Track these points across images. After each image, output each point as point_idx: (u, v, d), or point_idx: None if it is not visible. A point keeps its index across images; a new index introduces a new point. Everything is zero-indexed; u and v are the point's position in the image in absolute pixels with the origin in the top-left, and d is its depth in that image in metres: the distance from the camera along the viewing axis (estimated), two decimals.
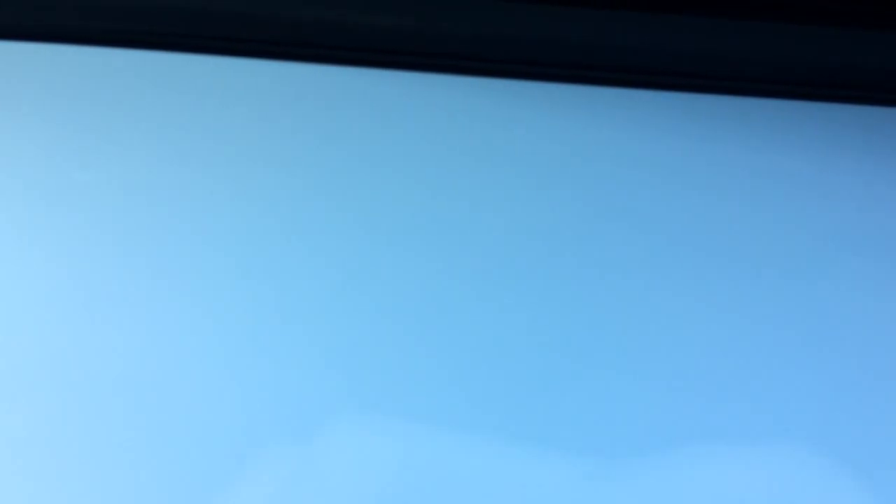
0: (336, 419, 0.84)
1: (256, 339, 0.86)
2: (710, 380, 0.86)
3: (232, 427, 0.83)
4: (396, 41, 0.98)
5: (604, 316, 0.88)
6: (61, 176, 0.92)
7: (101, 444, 0.83)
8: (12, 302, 0.87)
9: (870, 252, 0.92)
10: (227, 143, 0.94)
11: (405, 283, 0.89)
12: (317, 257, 0.90)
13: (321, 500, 0.82)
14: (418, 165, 0.94)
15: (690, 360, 0.86)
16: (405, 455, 0.83)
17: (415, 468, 0.83)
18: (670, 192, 0.94)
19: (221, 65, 0.97)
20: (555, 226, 0.92)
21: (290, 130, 0.95)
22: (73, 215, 0.91)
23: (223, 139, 0.94)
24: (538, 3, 0.99)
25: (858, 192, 0.95)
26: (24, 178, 0.92)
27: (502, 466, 0.83)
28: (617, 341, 0.87)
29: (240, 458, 0.82)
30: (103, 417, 0.83)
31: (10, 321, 0.86)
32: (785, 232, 0.92)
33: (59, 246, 0.89)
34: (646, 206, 0.93)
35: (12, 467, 0.82)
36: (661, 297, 0.89)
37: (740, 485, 0.84)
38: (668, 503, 0.82)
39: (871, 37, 1.00)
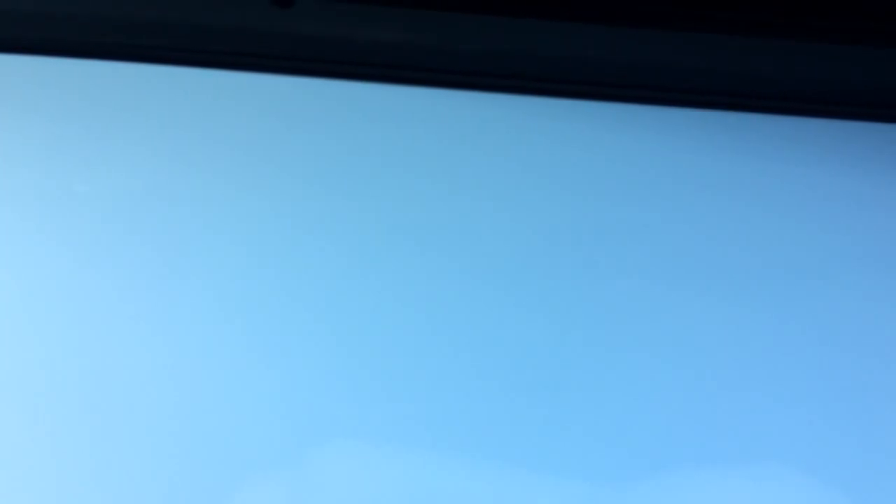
0: (332, 440, 0.83)
1: (252, 357, 0.86)
2: (704, 403, 0.86)
3: (228, 446, 0.83)
4: (415, 57, 0.99)
5: (598, 337, 0.88)
6: (62, 188, 0.92)
7: (95, 460, 0.82)
8: (16, 310, 0.87)
9: (867, 277, 0.92)
10: (230, 157, 0.95)
11: (403, 303, 0.88)
12: (312, 275, 0.90)
13: None
14: (426, 178, 0.95)
15: (683, 382, 0.86)
16: (399, 475, 0.82)
17: (410, 489, 0.82)
18: (673, 211, 0.94)
19: (224, 78, 0.98)
20: (556, 251, 0.92)
21: (291, 143, 0.96)
22: (73, 226, 0.91)
23: (226, 151, 0.95)
24: (551, 21, 1.00)
25: (859, 212, 0.95)
26: (25, 190, 0.92)
27: (497, 486, 0.82)
28: (610, 364, 0.87)
29: (236, 478, 0.82)
30: (97, 432, 0.83)
31: (14, 329, 0.87)
32: (779, 259, 0.92)
33: (59, 256, 0.89)
34: (648, 225, 0.93)
35: (13, 470, 0.82)
36: (653, 321, 0.89)
37: None
38: None
39: (878, 54, 1.00)
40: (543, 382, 0.86)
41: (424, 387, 0.85)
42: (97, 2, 1.00)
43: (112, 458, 0.82)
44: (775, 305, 0.90)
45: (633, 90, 0.99)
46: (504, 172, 0.95)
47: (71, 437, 0.83)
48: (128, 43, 0.98)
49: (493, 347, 0.87)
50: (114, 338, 0.86)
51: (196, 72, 0.98)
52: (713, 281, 0.91)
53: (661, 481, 0.83)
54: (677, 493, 0.83)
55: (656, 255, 0.92)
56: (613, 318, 0.89)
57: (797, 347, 0.88)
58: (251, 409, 0.84)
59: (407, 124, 0.97)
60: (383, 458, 0.83)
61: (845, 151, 0.98)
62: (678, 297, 0.90)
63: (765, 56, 1.00)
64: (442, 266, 0.90)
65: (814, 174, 0.97)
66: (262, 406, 0.84)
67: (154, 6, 0.99)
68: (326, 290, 0.89)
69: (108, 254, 0.90)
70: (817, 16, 1.02)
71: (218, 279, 0.89)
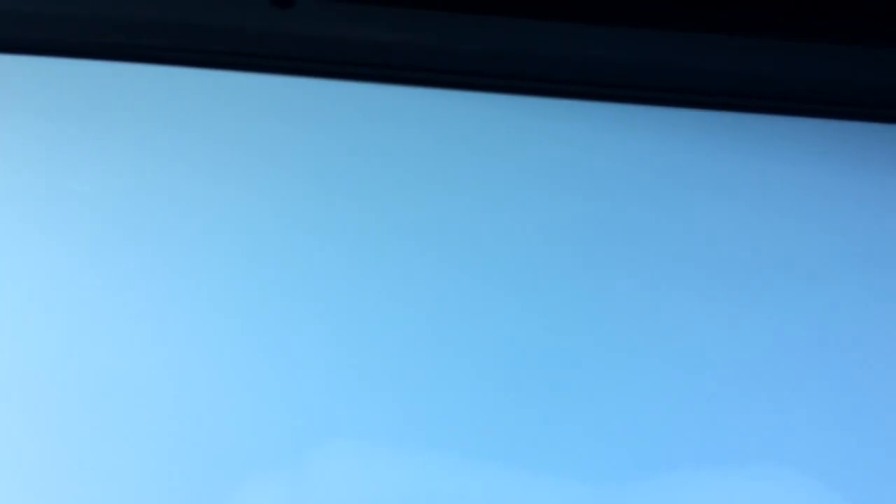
0: (332, 440, 0.83)
1: (253, 358, 0.86)
2: (705, 404, 0.86)
3: (228, 447, 0.83)
4: (415, 58, 0.99)
5: (598, 338, 0.88)
6: (62, 188, 0.92)
7: (94, 460, 0.82)
8: (16, 310, 0.87)
9: (868, 278, 0.92)
10: (230, 157, 0.95)
11: (403, 304, 0.88)
12: (312, 275, 0.90)
13: None
14: (426, 178, 0.95)
15: (683, 382, 0.86)
16: (399, 476, 0.82)
17: (411, 489, 0.82)
18: (674, 212, 0.94)
19: (224, 79, 0.98)
20: (557, 251, 0.92)
21: (292, 143, 0.96)
22: (72, 227, 0.91)
23: (226, 152, 0.95)
24: (551, 21, 1.00)
25: (859, 212, 0.95)
26: (25, 190, 0.92)
27: (497, 487, 0.82)
28: (610, 365, 0.87)
29: (236, 478, 0.82)
30: (96, 433, 0.83)
31: (14, 329, 0.87)
32: (779, 259, 0.92)
33: (59, 256, 0.89)
34: (648, 225, 0.93)
35: (13, 470, 0.82)
36: (653, 321, 0.89)
37: None
38: None
39: (878, 54, 1.01)
40: (544, 383, 0.86)
41: (424, 387, 0.85)
42: (97, 2, 1.00)
43: (111, 458, 0.82)
44: (775, 306, 0.90)
45: (633, 90, 0.99)
46: (504, 173, 0.95)
47: (70, 438, 0.83)
48: (128, 43, 0.99)
49: (493, 348, 0.87)
50: (113, 338, 0.86)
51: (196, 72, 0.98)
52: (713, 282, 0.91)
53: (662, 482, 0.83)
54: (678, 493, 0.83)
55: (656, 255, 0.92)
56: (613, 318, 0.89)
57: (797, 348, 0.88)
58: (251, 409, 0.84)
59: (407, 124, 0.97)
60: (383, 459, 0.83)
61: (845, 151, 0.98)
62: (678, 297, 0.90)
63: (765, 56, 1.00)
64: (442, 267, 0.90)
65: (814, 174, 0.97)
66: (262, 406, 0.84)
67: (154, 6, 0.99)
68: (326, 291, 0.89)
69: (107, 254, 0.90)
70: (817, 16, 1.02)
71: (217, 279, 0.89)
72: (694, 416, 0.85)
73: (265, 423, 0.84)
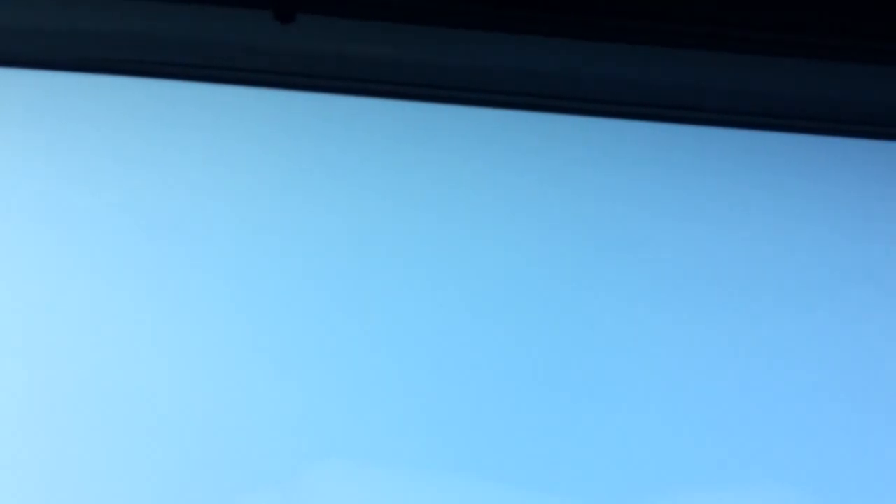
0: (329, 458, 0.83)
1: (252, 373, 0.86)
2: (698, 424, 0.86)
3: (228, 460, 0.83)
4: (415, 74, 0.99)
5: (592, 360, 0.88)
6: (62, 200, 0.93)
7: (93, 471, 0.82)
8: (16, 319, 0.88)
9: (859, 293, 0.92)
10: (233, 171, 0.95)
11: (399, 326, 0.89)
12: (311, 292, 0.90)
13: None
14: (427, 192, 0.95)
15: (677, 403, 0.87)
16: (394, 494, 0.83)
17: None
18: (667, 229, 0.94)
19: (225, 93, 0.98)
20: (550, 278, 0.92)
21: (293, 157, 0.96)
22: (72, 237, 0.91)
23: (230, 165, 0.95)
24: (554, 38, 1.00)
25: (865, 226, 0.95)
26: (31, 201, 0.93)
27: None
28: (602, 386, 0.87)
29: (235, 491, 0.82)
30: (95, 444, 0.83)
31: (15, 336, 0.87)
32: (770, 279, 0.92)
33: (55, 270, 0.90)
34: (652, 240, 0.93)
35: (13, 472, 0.83)
36: (648, 343, 0.89)
37: None
38: None
39: (870, 71, 1.01)
40: (543, 402, 0.86)
41: (423, 405, 0.85)
42: (101, 18, 1.01)
43: (110, 471, 0.83)
44: (779, 321, 0.90)
45: (631, 107, 0.99)
46: (505, 187, 0.95)
47: (68, 453, 0.83)
48: (129, 58, 0.99)
49: (493, 367, 0.87)
50: (111, 351, 0.86)
51: (198, 86, 0.99)
52: (716, 297, 0.91)
53: (664, 499, 0.83)
54: None
55: (659, 271, 0.92)
56: (613, 331, 0.89)
57: (799, 364, 0.88)
58: (252, 426, 0.84)
59: (407, 139, 0.97)
60: (381, 476, 0.83)
61: (842, 166, 0.99)
62: (679, 313, 0.90)
63: (763, 73, 1.01)
64: (443, 284, 0.91)
65: (813, 189, 0.97)
66: (262, 422, 0.84)
67: (156, 22, 1.00)
68: (326, 306, 0.89)
69: (105, 268, 0.90)
70: (816, 34, 1.02)
71: (215, 295, 0.89)
72: (696, 431, 0.85)
73: (264, 439, 0.84)
